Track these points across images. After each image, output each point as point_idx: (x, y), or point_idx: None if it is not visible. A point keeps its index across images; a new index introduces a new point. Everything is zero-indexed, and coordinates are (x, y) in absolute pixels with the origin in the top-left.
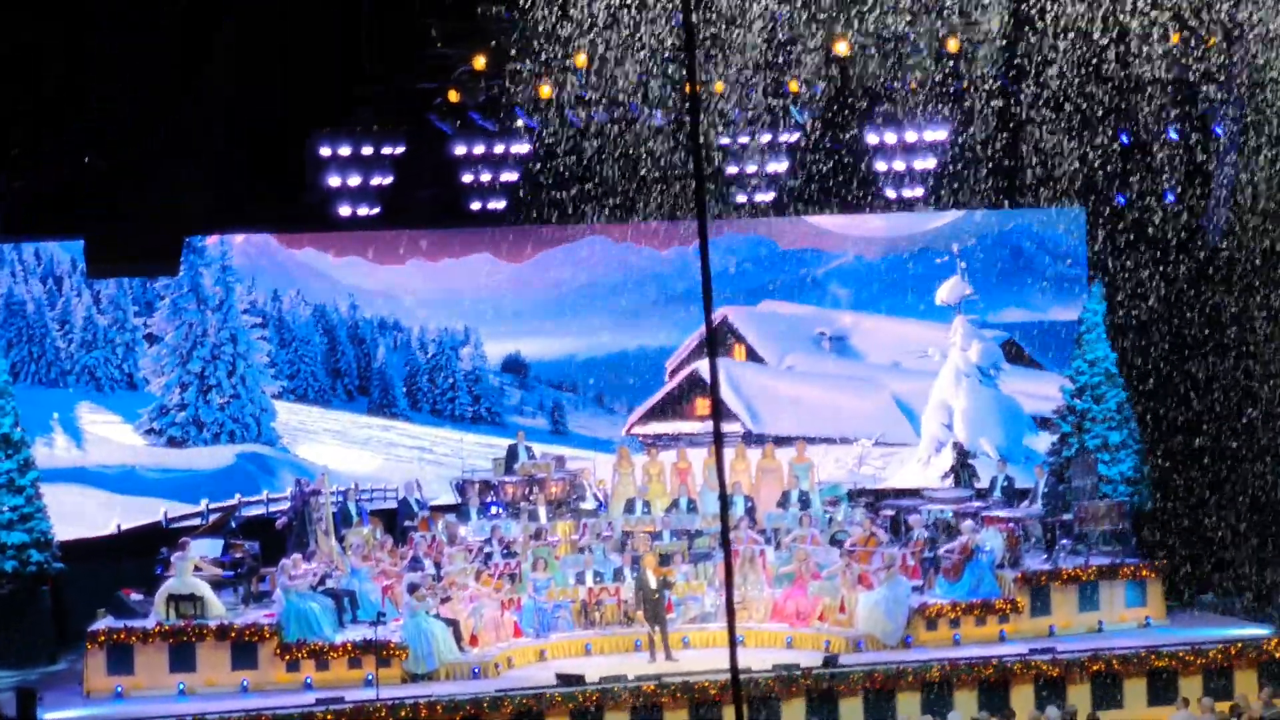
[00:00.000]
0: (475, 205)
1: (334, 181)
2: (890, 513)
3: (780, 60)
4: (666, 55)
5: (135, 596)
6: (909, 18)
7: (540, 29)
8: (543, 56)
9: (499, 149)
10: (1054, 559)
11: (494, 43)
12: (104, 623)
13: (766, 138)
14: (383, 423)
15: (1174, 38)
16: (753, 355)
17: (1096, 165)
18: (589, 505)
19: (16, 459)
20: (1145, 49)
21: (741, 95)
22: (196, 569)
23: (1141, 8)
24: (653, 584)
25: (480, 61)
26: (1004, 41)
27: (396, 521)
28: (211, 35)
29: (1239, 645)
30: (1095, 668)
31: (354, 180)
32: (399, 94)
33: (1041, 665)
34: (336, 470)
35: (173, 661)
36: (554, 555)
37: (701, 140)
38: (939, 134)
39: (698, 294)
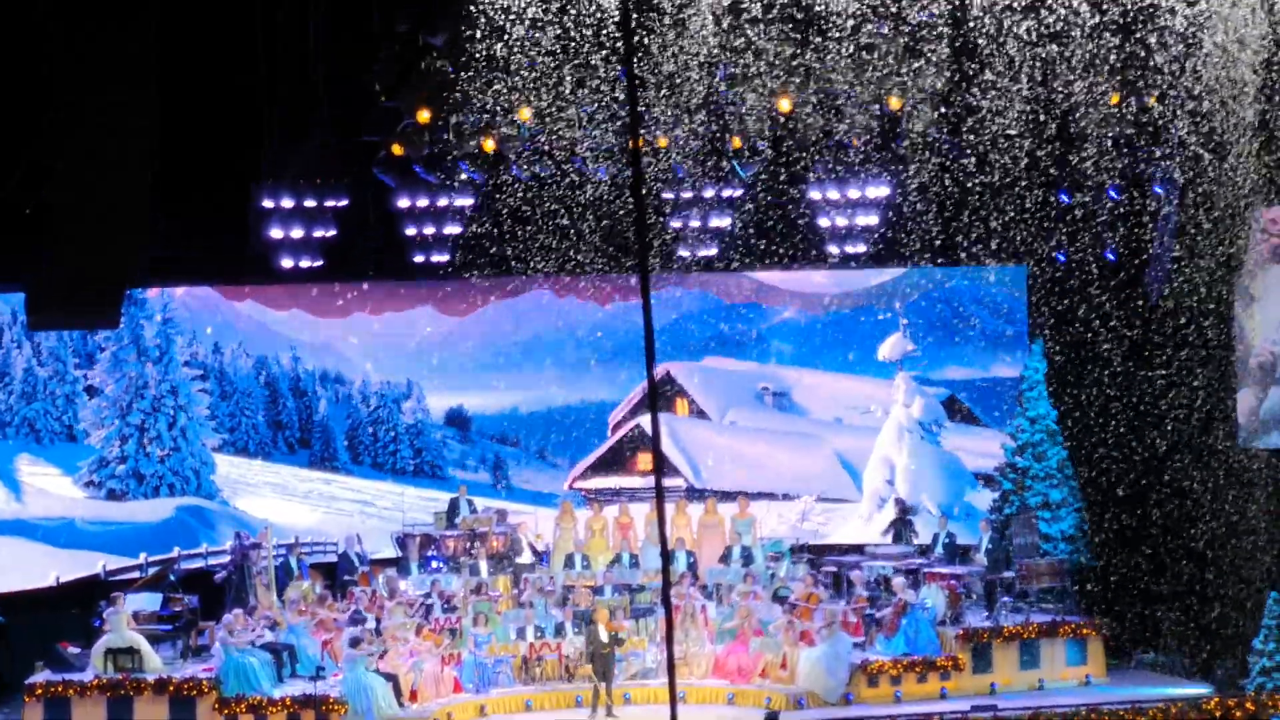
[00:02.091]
0: (418, 258)
1: (276, 234)
2: (832, 569)
3: (723, 116)
4: (610, 110)
5: (73, 649)
6: (852, 75)
7: (485, 83)
8: (487, 110)
9: (442, 202)
10: (995, 616)
11: (438, 96)
12: (42, 675)
13: (710, 193)
14: (324, 476)
15: (1114, 98)
16: (696, 410)
17: (1037, 224)
18: (525, 559)
19: None
20: (1086, 108)
21: (685, 150)
22: (136, 619)
23: (1083, 67)
24: (604, 638)
25: (424, 115)
26: (946, 99)
27: (337, 575)
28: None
29: (1179, 704)
30: None
31: (296, 232)
32: (342, 147)
33: None
34: (277, 523)
35: (110, 715)
36: (495, 610)
37: (644, 195)
38: (881, 191)
39: (640, 348)
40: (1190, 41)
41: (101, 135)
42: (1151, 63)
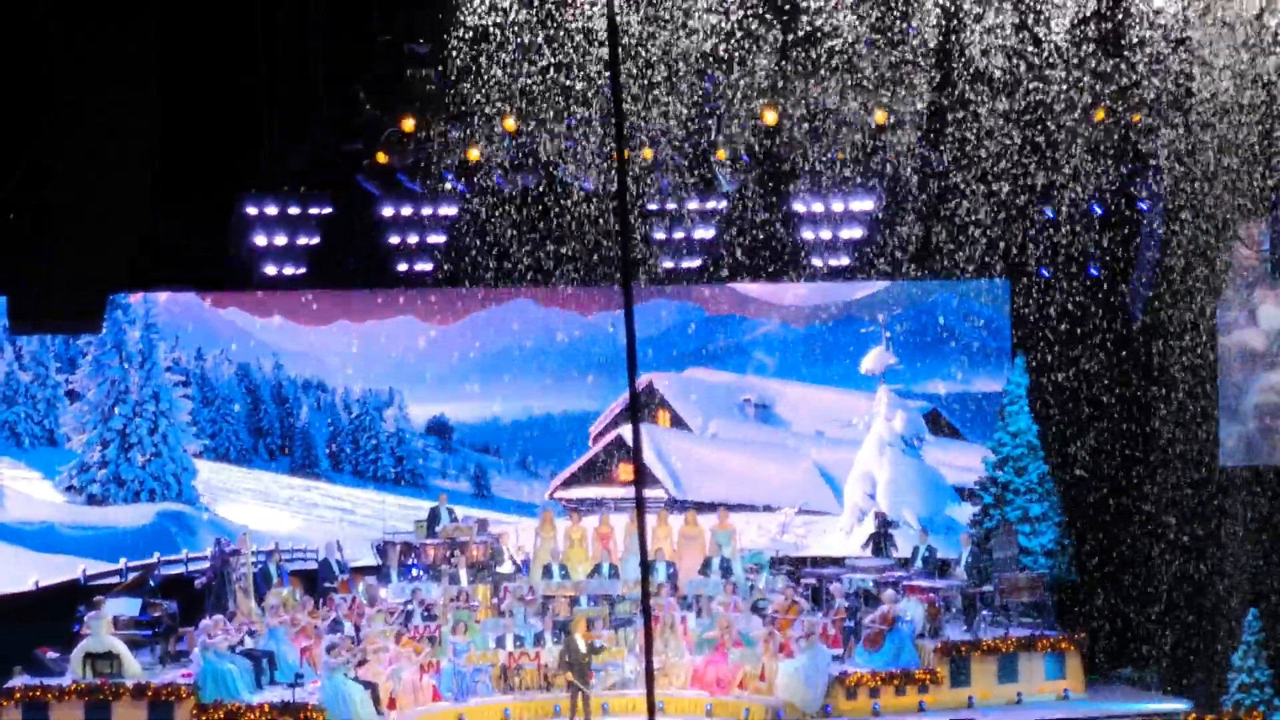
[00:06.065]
0: (402, 267)
1: (260, 241)
2: (812, 581)
3: (708, 128)
4: (595, 120)
5: (52, 654)
6: (837, 89)
7: (470, 92)
8: (471, 120)
9: (426, 211)
10: (974, 630)
11: (422, 105)
12: (20, 680)
13: (694, 204)
14: (304, 483)
15: (1099, 114)
16: (677, 421)
17: (1021, 238)
18: (506, 569)
19: None
20: (1071, 123)
21: (669, 162)
22: (115, 624)
23: (1068, 82)
24: (582, 648)
25: (409, 124)
26: (930, 114)
27: (317, 583)
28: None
29: (1156, 719)
30: None
31: (280, 240)
32: (327, 155)
33: None
34: (257, 530)
35: None
36: (474, 619)
37: (628, 206)
38: (865, 204)
39: (623, 359)
40: (1176, 57)
41: (101, 135)
42: (1137, 78)
